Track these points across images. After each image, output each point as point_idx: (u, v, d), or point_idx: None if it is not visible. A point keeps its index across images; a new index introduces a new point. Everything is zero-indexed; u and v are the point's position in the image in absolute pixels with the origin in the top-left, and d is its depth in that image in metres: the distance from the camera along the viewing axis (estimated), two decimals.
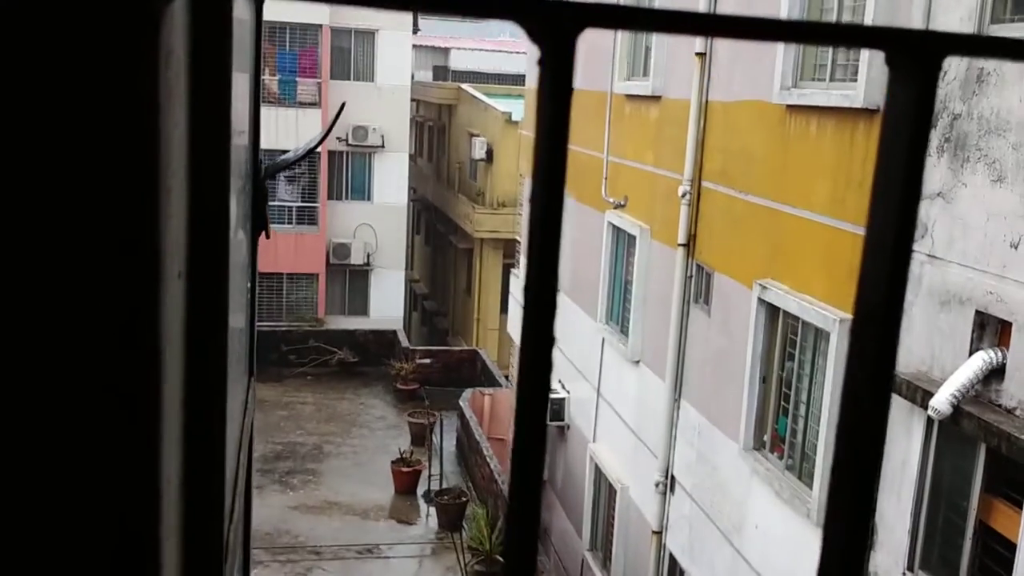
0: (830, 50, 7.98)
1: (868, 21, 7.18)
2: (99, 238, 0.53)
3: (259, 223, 1.69)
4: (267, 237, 1.69)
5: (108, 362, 0.55)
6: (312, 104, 24.16)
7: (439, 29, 41.30)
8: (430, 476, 16.87)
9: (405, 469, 16.91)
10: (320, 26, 24.23)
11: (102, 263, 0.53)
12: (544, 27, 0.38)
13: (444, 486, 16.57)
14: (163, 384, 0.59)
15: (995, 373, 5.92)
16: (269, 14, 25.08)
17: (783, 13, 8.34)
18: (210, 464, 0.96)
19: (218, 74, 0.85)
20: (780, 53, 8.40)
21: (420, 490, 16.95)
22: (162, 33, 0.52)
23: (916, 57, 0.44)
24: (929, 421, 6.40)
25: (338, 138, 24.37)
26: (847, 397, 0.45)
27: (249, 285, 1.68)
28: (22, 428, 0.54)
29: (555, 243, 0.39)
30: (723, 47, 9.72)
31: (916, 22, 6.64)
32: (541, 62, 0.38)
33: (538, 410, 0.42)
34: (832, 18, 7.97)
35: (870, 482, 0.45)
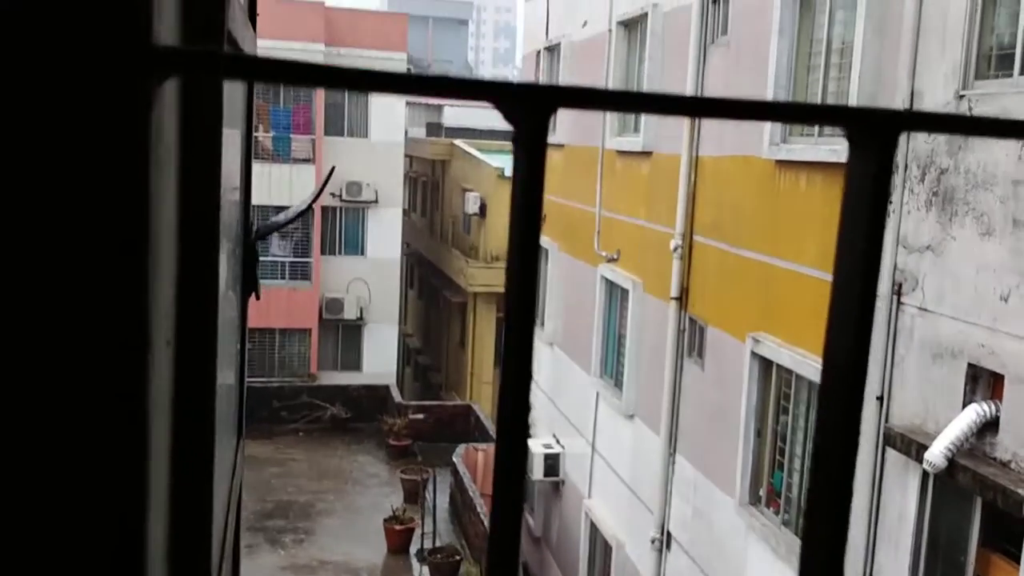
0: (819, 103, 8.09)
1: (855, 77, 7.30)
2: (86, 308, 0.54)
3: (249, 284, 1.69)
4: (257, 298, 1.69)
5: (94, 430, 0.55)
6: (306, 160, 24.34)
7: None
8: (423, 534, 16.63)
9: (398, 527, 16.68)
10: None
11: (89, 332, 0.54)
12: (517, 108, 0.40)
13: (437, 544, 16.33)
14: (150, 451, 0.60)
15: (989, 426, 5.90)
16: None
17: (771, 71, 8.48)
18: (197, 530, 0.95)
19: (208, 147, 0.88)
20: None
21: (413, 548, 16.70)
22: (154, 111, 0.54)
23: (873, 134, 0.46)
24: (924, 475, 6.36)
25: (332, 193, 24.51)
26: (817, 448, 0.47)
27: (239, 346, 1.68)
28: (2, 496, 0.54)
29: (529, 315, 0.41)
30: None
31: (902, 79, 6.76)
32: (515, 140, 0.40)
33: (518, 460, 0.44)
34: (819, 75, 8.10)
35: (843, 523, 0.46)
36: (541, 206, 0.41)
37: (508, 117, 0.40)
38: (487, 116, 32.72)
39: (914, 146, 6.71)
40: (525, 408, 0.44)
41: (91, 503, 0.56)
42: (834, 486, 0.46)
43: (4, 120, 0.50)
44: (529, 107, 0.40)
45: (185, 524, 0.87)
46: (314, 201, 2.96)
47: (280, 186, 23.14)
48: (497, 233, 24.30)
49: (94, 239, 0.53)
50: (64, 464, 0.55)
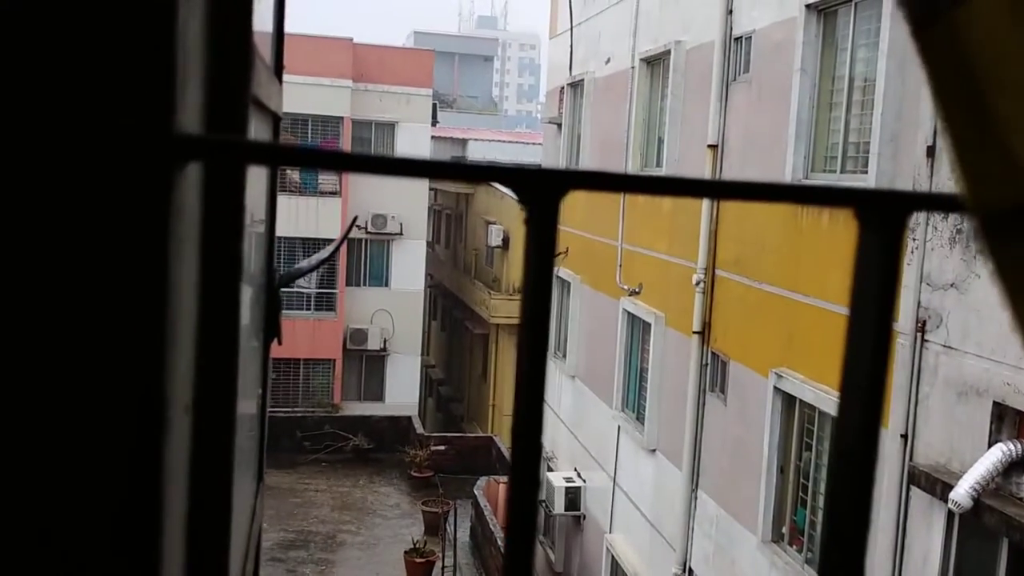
0: (840, 140, 8.13)
1: (877, 115, 7.33)
2: (102, 379, 0.55)
3: (272, 331, 1.73)
4: (279, 343, 1.73)
5: (108, 500, 0.56)
6: (332, 193, 24.61)
7: (457, 121, 42.27)
8: (443, 567, 16.56)
9: (419, 560, 16.62)
10: (341, 118, 24.86)
11: (105, 401, 0.56)
12: (531, 192, 0.43)
13: None
14: (164, 520, 0.60)
15: (1015, 465, 5.84)
16: (292, 106, 25.50)
17: (792, 109, 8.52)
18: None
19: (231, 227, 0.91)
20: (791, 144, 8.55)
21: None
22: (175, 193, 0.56)
23: (883, 216, 0.46)
24: (950, 514, 6.29)
25: (358, 226, 24.73)
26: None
27: (260, 391, 1.71)
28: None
29: (539, 392, 0.43)
30: (735, 138, 9.91)
31: (924, 116, 6.78)
32: (527, 221, 0.43)
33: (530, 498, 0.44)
34: (841, 112, 8.13)
35: (860, 555, 0.47)
36: (551, 283, 0.43)
37: (521, 199, 0.42)
38: (511, 150, 32.97)
39: (937, 182, 6.72)
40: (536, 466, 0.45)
41: (104, 570, 0.57)
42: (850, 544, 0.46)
43: (29, 199, 0.53)
44: (541, 190, 0.43)
45: None
46: (336, 249, 3.02)
47: (307, 219, 23.41)
48: (519, 265, 24.30)
49: (113, 313, 0.55)
50: (77, 535, 0.56)
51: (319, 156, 0.48)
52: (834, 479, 0.47)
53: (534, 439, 0.44)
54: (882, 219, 0.46)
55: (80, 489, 0.56)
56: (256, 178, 1.41)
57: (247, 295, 1.23)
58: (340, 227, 24.37)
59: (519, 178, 0.43)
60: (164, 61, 0.55)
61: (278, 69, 1.80)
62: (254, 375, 1.51)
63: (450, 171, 0.46)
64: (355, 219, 3.34)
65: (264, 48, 1.55)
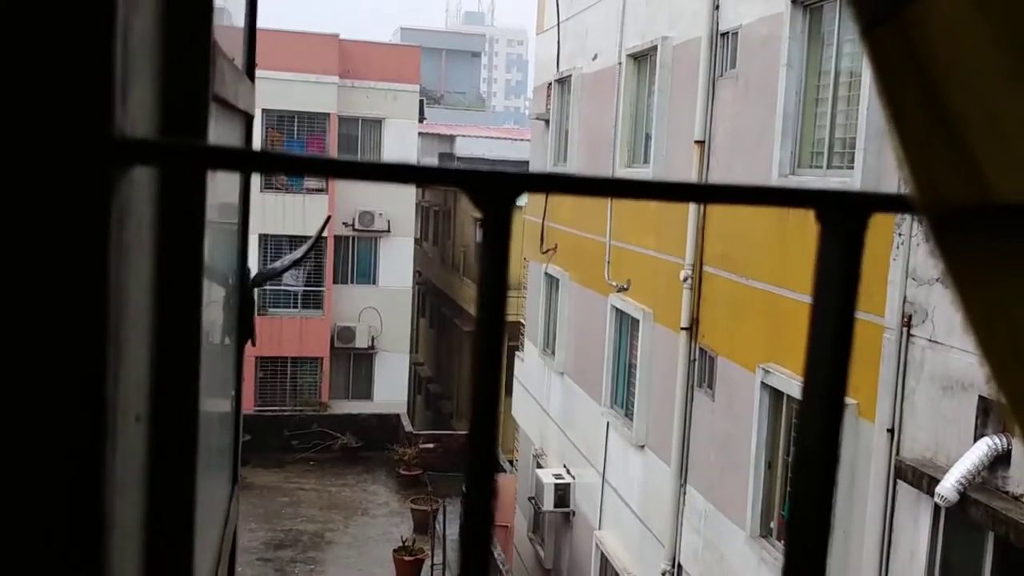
0: (827, 136, 8.14)
1: (863, 110, 7.34)
2: (40, 384, 0.53)
3: (245, 332, 1.71)
4: (253, 344, 1.72)
5: (49, 512, 0.54)
6: (319, 191, 24.52)
7: (445, 117, 42.21)
8: (433, 565, 16.54)
9: (407, 558, 16.59)
10: (328, 115, 24.77)
11: (44, 408, 0.53)
12: (484, 195, 0.43)
13: None
14: (109, 531, 0.57)
15: (1001, 459, 5.87)
16: (278, 103, 25.24)
17: (779, 104, 8.53)
18: None
19: (189, 232, 0.89)
20: (778, 139, 8.56)
21: None
22: (116, 197, 0.54)
23: (844, 217, 0.46)
24: (936, 509, 6.32)
25: (344, 223, 24.66)
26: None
27: (234, 393, 1.69)
28: None
29: (494, 397, 0.42)
30: (722, 134, 9.92)
31: None
32: (481, 224, 0.43)
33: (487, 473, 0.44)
34: (828, 107, 8.14)
35: (824, 539, 0.47)
36: (507, 285, 0.43)
37: (475, 203, 0.43)
38: (498, 147, 32.91)
39: None
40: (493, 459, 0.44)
41: None
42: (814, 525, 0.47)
43: None
44: (494, 193, 0.43)
45: None
46: (310, 250, 3.01)
47: (293, 216, 23.31)
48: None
49: (47, 324, 0.52)
50: (15, 552, 0.53)
51: (264, 159, 0.47)
52: (797, 475, 0.48)
53: (488, 446, 0.43)
54: (843, 221, 0.46)
55: (15, 505, 0.53)
56: (228, 175, 1.39)
57: (217, 296, 1.21)
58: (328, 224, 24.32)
59: (471, 181, 0.43)
60: (100, 61, 0.52)
61: (250, 67, 1.77)
62: (225, 377, 1.48)
63: (402, 175, 0.44)
64: (328, 218, 3.34)
65: (233, 46, 1.52)
